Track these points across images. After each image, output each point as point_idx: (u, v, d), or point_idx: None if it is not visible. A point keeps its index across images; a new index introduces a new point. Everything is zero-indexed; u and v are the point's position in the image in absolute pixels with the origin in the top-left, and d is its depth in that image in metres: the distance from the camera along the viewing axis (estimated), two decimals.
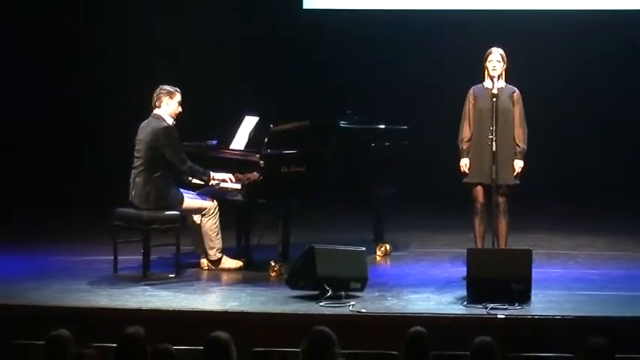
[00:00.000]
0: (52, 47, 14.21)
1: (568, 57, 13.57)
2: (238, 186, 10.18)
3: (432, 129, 11.62)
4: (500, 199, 10.00)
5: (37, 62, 14.17)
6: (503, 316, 8.75)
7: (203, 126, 10.67)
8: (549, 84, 13.26)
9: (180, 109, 10.10)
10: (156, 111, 10.11)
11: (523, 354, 7.66)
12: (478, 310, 8.86)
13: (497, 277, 9.06)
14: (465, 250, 9.49)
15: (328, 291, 9.16)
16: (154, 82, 10.31)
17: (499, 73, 9.97)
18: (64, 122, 14.05)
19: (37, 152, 14.06)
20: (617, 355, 6.86)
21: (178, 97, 10.10)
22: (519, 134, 10.03)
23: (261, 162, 10.12)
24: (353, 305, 9.00)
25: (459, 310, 8.99)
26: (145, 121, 10.13)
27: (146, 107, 10.20)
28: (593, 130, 13.86)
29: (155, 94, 10.12)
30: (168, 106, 10.08)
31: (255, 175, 10.13)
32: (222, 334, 7.14)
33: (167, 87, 10.12)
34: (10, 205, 13.16)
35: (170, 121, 10.06)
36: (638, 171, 13.70)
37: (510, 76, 10.09)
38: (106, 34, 14.12)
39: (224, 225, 10.34)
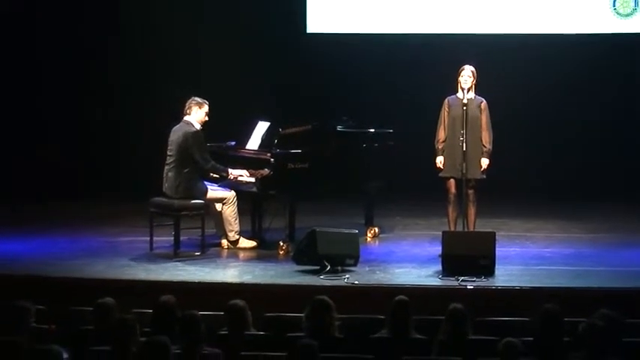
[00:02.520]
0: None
1: (532, 73, 13.57)
2: (253, 179, 10.20)
3: (414, 132, 11.60)
4: (470, 191, 10.03)
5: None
6: (472, 287, 8.78)
7: (224, 130, 10.66)
8: (516, 96, 13.23)
9: (206, 118, 10.12)
10: (186, 117, 10.13)
11: (488, 318, 7.69)
12: (451, 282, 8.90)
13: (467, 254, 9.09)
14: (441, 233, 9.54)
15: (327, 266, 9.20)
16: (186, 93, 10.37)
17: (469, 86, 10.00)
18: (108, 126, 14.05)
19: (86, 152, 14.07)
20: (565, 319, 6.92)
21: (206, 108, 10.12)
22: (486, 137, 10.06)
23: (272, 159, 10.14)
24: (348, 278, 9.03)
25: (436, 281, 9.03)
26: (177, 126, 10.14)
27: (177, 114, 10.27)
28: (550, 133, 13.87)
29: (187, 104, 10.13)
30: (197, 114, 10.10)
31: (266, 170, 10.15)
32: (240, 302, 7.18)
33: (198, 99, 10.14)
34: (63, 196, 13.18)
35: (198, 127, 10.07)
36: (584, 166, 13.73)
37: (481, 89, 10.13)
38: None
39: (241, 211, 10.35)
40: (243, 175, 10.21)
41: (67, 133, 13.99)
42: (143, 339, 6.43)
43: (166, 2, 13.99)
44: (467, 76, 10.01)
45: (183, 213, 10.02)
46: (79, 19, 13.92)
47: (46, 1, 13.95)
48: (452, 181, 10.07)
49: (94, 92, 14.04)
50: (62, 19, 13.83)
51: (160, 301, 7.16)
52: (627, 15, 13.69)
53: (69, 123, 13.99)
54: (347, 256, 9.36)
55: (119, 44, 13.98)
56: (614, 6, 13.69)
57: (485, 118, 10.07)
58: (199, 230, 10.08)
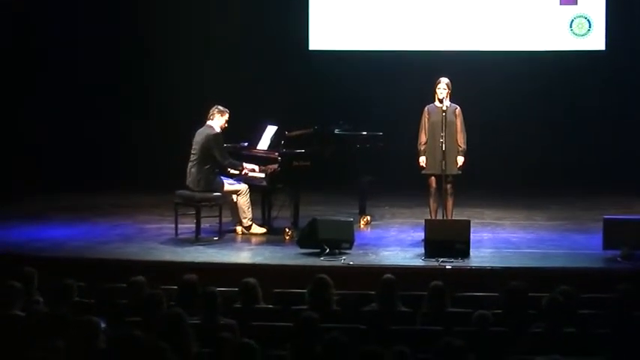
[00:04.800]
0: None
1: (499, 84, 13.58)
2: (263, 175, 10.20)
3: (400, 135, 11.58)
4: (448, 185, 10.02)
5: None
6: (450, 267, 8.78)
7: (238, 132, 10.64)
8: (486, 104, 13.20)
9: (226, 125, 10.11)
10: (209, 122, 10.12)
11: (464, 293, 7.69)
12: (432, 263, 8.89)
13: (446, 239, 9.08)
14: (423, 221, 9.52)
15: (326, 249, 9.19)
16: (208, 102, 10.35)
17: (444, 96, 9.98)
18: (139, 129, 14.05)
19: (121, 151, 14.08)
20: (529, 294, 6.92)
21: (227, 116, 10.11)
22: (460, 139, 10.04)
23: (279, 158, 10.14)
24: (344, 259, 9.03)
25: (419, 262, 9.02)
26: (201, 129, 10.13)
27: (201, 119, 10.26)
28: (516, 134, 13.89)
29: (211, 110, 10.12)
30: (218, 120, 10.08)
31: (274, 167, 10.15)
32: (251, 280, 7.16)
33: (220, 107, 10.13)
34: (101, 189, 13.18)
35: (218, 130, 10.07)
36: (545, 163, 13.75)
37: (456, 97, 10.12)
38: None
39: (253, 202, 10.33)
40: (254, 170, 10.21)
41: (106, 134, 14.03)
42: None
43: (174, 24, 14.01)
44: (442, 88, 10.01)
45: (203, 203, 10.01)
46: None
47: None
48: (433, 177, 10.06)
49: (130, 100, 14.09)
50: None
51: (184, 279, 7.15)
52: (582, 35, 13.73)
53: (108, 125, 14.03)
54: (343, 240, 9.35)
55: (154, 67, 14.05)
56: (571, 27, 13.72)
57: (459, 123, 10.06)
58: (217, 218, 10.08)
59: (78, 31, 13.72)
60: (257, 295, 7.11)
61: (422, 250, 9.20)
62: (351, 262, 8.94)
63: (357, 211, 11.00)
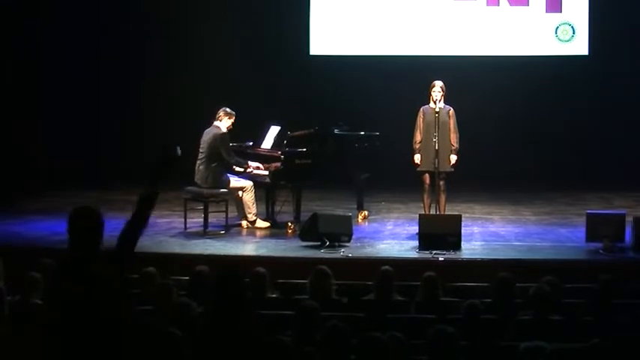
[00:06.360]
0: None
1: (489, 86, 13.58)
2: (266, 172, 10.20)
3: (396, 135, 11.57)
4: (441, 182, 10.00)
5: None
6: (443, 259, 8.77)
7: (243, 132, 10.63)
8: (477, 104, 13.18)
9: (231, 127, 10.11)
10: (216, 122, 10.12)
11: (455, 284, 7.69)
12: (426, 255, 8.88)
13: (439, 232, 9.08)
14: (418, 215, 9.52)
15: (326, 242, 9.19)
16: (218, 105, 10.34)
17: (439, 98, 9.97)
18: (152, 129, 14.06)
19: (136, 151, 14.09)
20: (517, 284, 6.92)
21: (233, 119, 10.11)
22: (453, 138, 10.04)
23: (282, 156, 10.13)
24: (343, 252, 9.02)
25: (414, 254, 9.01)
26: (208, 129, 10.14)
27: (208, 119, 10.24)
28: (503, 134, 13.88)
29: (219, 112, 10.12)
30: (225, 122, 10.08)
31: (278, 165, 10.15)
32: (261, 269, 7.15)
33: (228, 109, 10.12)
34: (114, 186, 13.18)
35: (225, 130, 10.07)
36: (532, 161, 13.76)
37: (450, 99, 10.11)
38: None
39: (257, 198, 10.34)
40: (259, 167, 10.21)
41: (119, 135, 14.04)
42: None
43: (176, 30, 14.00)
44: (437, 91, 10.00)
45: (211, 199, 10.02)
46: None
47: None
48: (426, 174, 10.06)
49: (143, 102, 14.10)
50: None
51: (196, 269, 7.14)
52: (567, 40, 13.77)
53: (118, 125, 14.04)
54: (342, 234, 9.34)
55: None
56: (556, 33, 13.75)
57: (452, 123, 10.05)
58: (224, 213, 10.07)
59: (79, 32, 13.69)
60: (265, 283, 7.11)
61: (416, 243, 9.20)
62: (350, 255, 8.94)
63: (355, 206, 11.00)
